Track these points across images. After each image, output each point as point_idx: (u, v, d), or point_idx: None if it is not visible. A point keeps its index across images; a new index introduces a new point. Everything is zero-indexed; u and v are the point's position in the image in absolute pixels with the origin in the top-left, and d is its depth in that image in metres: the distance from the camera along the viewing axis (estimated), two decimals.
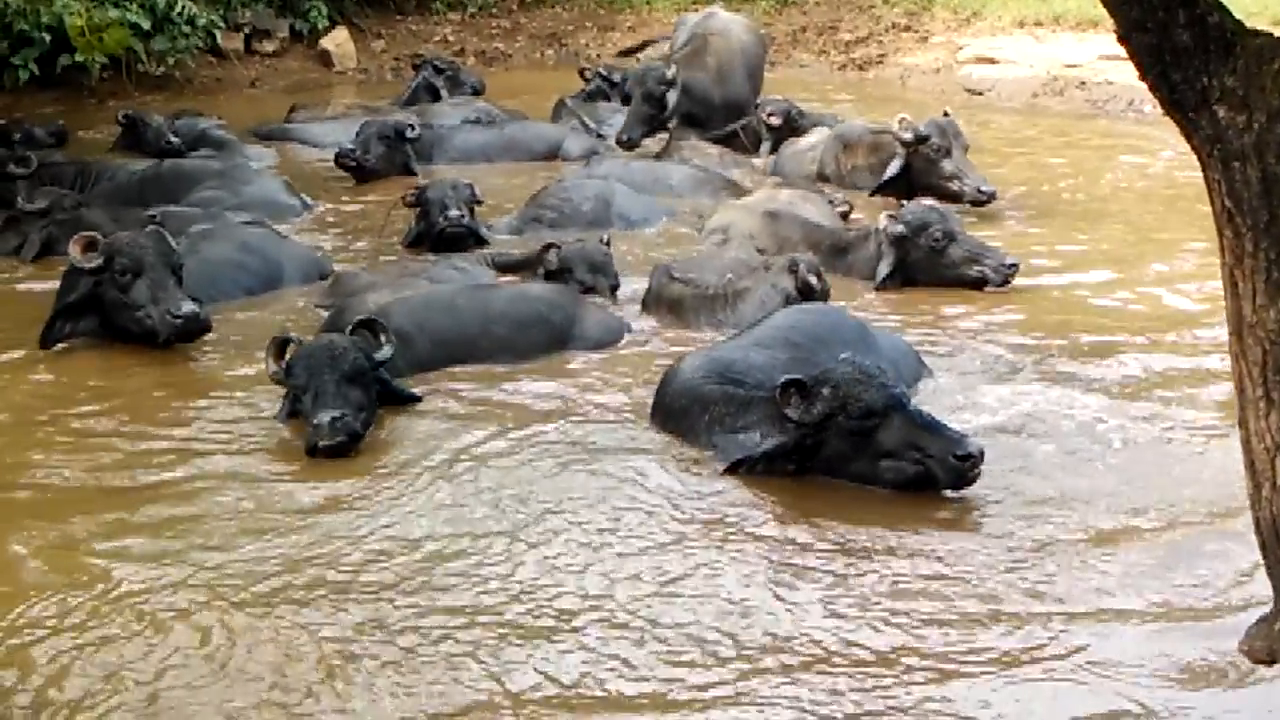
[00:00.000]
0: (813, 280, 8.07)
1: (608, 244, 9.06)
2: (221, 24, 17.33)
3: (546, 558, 5.48)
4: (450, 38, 20.34)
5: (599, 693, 4.62)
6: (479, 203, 10.13)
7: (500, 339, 7.73)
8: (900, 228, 9.10)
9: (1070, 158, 13.50)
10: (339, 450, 6.46)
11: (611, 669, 4.74)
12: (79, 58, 15.20)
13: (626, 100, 13.60)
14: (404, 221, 10.24)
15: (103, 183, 11.21)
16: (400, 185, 11.31)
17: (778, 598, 5.19)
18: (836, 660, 4.79)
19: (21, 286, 9.25)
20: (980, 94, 16.79)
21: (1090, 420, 6.84)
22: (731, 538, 5.67)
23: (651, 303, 8.52)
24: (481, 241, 9.95)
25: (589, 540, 5.63)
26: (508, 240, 10.25)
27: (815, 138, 12.37)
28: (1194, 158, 3.66)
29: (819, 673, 4.71)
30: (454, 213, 9.81)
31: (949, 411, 6.61)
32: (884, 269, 9.11)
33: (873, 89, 17.56)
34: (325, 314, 8.24)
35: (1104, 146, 14.00)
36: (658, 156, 12.58)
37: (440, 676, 4.68)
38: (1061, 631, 4.97)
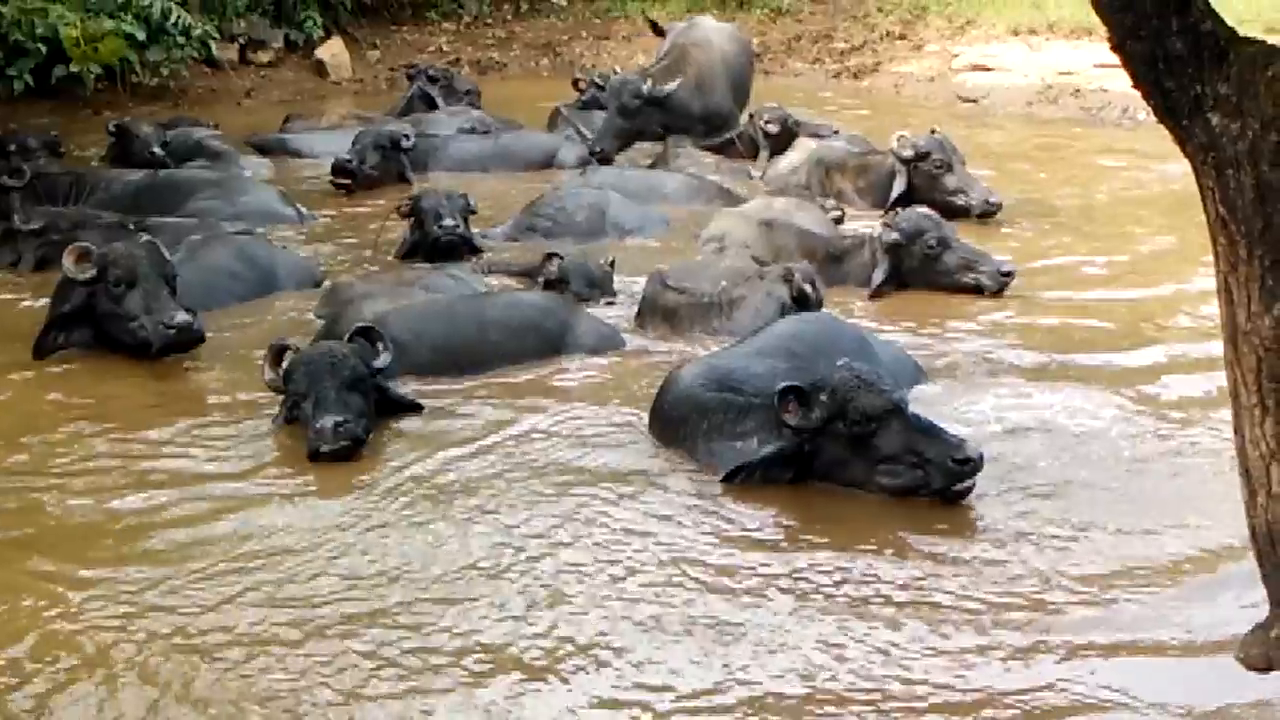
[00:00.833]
0: (808, 289, 8.07)
1: (612, 265, 9.07)
2: (216, 34, 17.27)
3: (546, 585, 5.37)
4: (445, 47, 20.33)
5: None
6: (474, 212, 10.13)
7: (496, 346, 7.73)
8: (895, 235, 9.11)
9: (1065, 165, 13.52)
10: (342, 455, 6.45)
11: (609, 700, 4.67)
12: (74, 68, 15.27)
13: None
14: (399, 231, 10.23)
15: (98, 193, 11.14)
16: (396, 194, 11.29)
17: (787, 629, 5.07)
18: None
19: (12, 296, 9.21)
20: (975, 102, 16.79)
21: (1088, 427, 6.83)
22: (728, 557, 5.60)
23: (646, 311, 8.51)
24: (476, 250, 9.96)
25: (582, 564, 5.53)
26: (503, 248, 10.26)
27: (796, 156, 12.06)
28: (1188, 165, 3.67)
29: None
30: (448, 222, 9.80)
31: (945, 419, 6.59)
32: (879, 276, 9.12)
33: (867, 97, 17.56)
34: (320, 322, 8.23)
35: (1098, 154, 14.01)
36: (653, 165, 12.58)
37: (436, 705, 4.61)
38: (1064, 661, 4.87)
